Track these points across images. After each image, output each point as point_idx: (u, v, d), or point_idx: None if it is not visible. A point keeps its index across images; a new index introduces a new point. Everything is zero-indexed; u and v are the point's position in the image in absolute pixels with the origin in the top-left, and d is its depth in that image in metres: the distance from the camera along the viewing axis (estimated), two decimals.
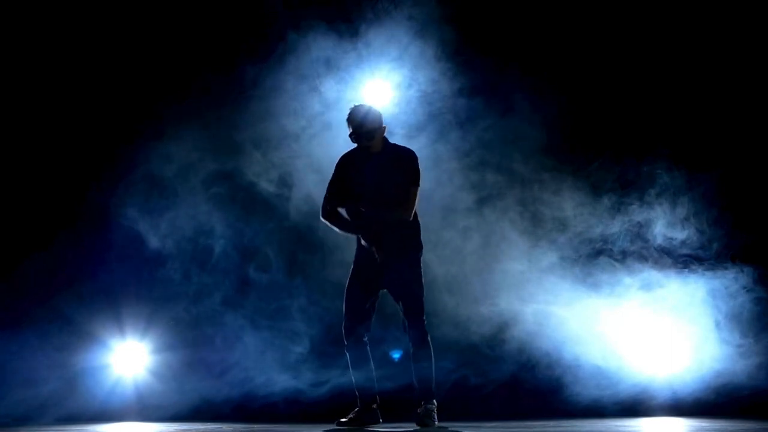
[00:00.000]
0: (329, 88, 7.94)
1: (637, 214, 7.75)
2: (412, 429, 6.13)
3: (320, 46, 7.89)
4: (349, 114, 6.37)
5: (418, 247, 6.40)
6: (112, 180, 7.92)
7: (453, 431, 6.09)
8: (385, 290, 6.42)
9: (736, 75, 7.81)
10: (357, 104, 6.42)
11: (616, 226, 7.74)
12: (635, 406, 7.50)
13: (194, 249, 7.92)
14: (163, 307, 7.88)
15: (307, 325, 7.87)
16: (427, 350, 6.31)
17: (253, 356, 7.81)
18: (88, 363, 7.78)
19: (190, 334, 7.90)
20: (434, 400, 6.30)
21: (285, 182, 7.93)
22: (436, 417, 6.23)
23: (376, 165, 6.33)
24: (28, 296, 7.79)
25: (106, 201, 7.89)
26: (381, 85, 7.93)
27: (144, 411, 7.69)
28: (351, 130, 6.35)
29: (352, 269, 6.44)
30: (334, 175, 6.45)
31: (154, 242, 7.88)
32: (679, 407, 7.47)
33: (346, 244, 7.65)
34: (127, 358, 7.88)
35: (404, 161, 6.35)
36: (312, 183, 7.76)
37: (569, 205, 7.79)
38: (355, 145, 6.39)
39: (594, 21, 7.93)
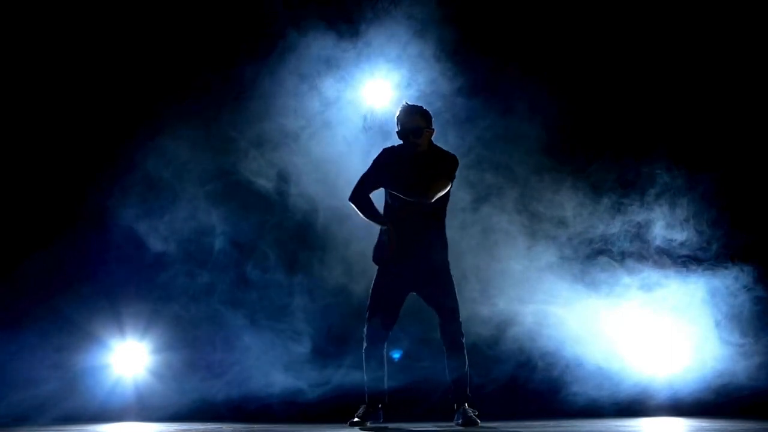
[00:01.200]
0: (329, 87, 7.94)
1: (637, 214, 7.75)
2: (422, 428, 6.14)
3: (320, 45, 7.87)
4: (399, 111, 6.44)
5: (445, 246, 6.41)
6: (112, 180, 7.91)
7: (452, 431, 6.10)
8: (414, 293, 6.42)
9: (735, 75, 7.82)
10: (404, 106, 6.48)
11: (615, 226, 7.74)
12: (635, 406, 7.50)
13: (194, 248, 7.92)
14: (163, 307, 7.88)
15: (307, 324, 7.87)
16: (462, 353, 6.33)
17: (253, 356, 7.80)
18: (88, 363, 7.78)
19: (190, 334, 7.90)
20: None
21: (284, 181, 7.92)
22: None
23: (418, 162, 6.37)
24: (28, 296, 7.78)
25: (105, 201, 7.88)
26: (380, 84, 7.93)
27: (144, 411, 7.68)
28: (399, 128, 6.39)
29: (380, 271, 6.40)
30: (373, 165, 6.45)
31: (154, 242, 7.86)
32: (679, 407, 7.48)
33: (345, 242, 7.66)
34: (127, 358, 7.87)
35: (444, 162, 6.40)
36: (311, 181, 7.76)
37: (568, 205, 7.78)
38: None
39: (594, 21, 7.93)
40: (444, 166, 6.38)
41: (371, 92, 7.94)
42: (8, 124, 7.99)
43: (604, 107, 7.90)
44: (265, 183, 7.88)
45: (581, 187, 7.80)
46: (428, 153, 6.44)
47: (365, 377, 6.34)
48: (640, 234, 7.74)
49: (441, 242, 6.40)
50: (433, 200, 6.28)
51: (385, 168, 6.40)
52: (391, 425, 6.40)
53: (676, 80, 7.87)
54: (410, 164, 6.37)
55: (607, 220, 7.75)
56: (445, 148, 7.80)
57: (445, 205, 6.44)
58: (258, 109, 7.87)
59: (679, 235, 7.66)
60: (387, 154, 6.47)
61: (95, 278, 7.88)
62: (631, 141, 7.82)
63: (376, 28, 7.86)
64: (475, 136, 7.88)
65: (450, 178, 6.37)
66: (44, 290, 7.78)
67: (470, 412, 6.31)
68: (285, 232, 7.98)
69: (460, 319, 6.35)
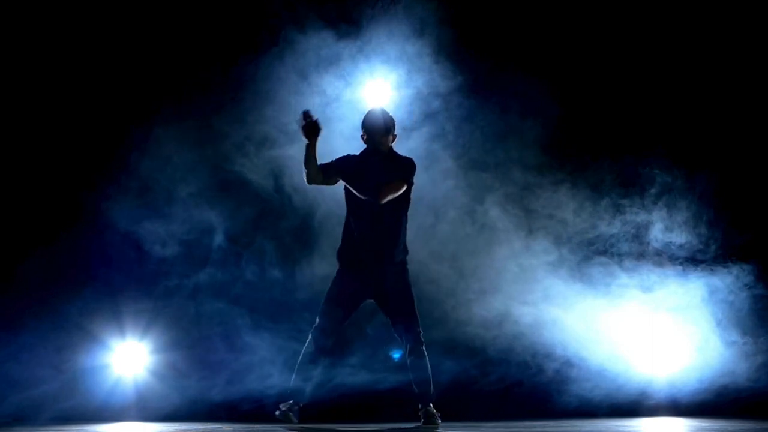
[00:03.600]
0: (328, 84, 7.93)
1: (636, 214, 7.74)
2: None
3: (319, 43, 7.87)
4: (367, 114, 6.56)
5: (405, 254, 6.53)
6: (110, 180, 7.91)
7: (453, 431, 6.10)
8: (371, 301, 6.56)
9: (733, 76, 7.80)
10: (375, 108, 6.61)
11: (614, 227, 7.73)
12: (635, 406, 7.49)
13: (193, 248, 7.92)
14: (163, 306, 7.88)
15: (308, 323, 7.85)
16: (424, 357, 6.45)
17: (253, 355, 7.79)
18: (88, 363, 7.78)
19: (190, 333, 7.90)
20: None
21: (283, 179, 7.91)
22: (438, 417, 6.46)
23: (378, 163, 6.47)
24: (28, 296, 7.79)
25: (105, 201, 7.88)
26: (379, 83, 7.92)
27: (144, 411, 7.68)
28: (368, 127, 6.51)
29: (339, 272, 6.52)
30: (336, 160, 6.60)
31: (153, 242, 7.86)
32: (679, 407, 7.46)
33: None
34: (127, 358, 7.87)
35: (402, 165, 6.52)
36: None
37: (567, 205, 7.77)
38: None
39: (593, 21, 7.92)
40: (401, 170, 6.47)
41: (370, 91, 7.93)
42: (9, 126, 8.01)
43: (604, 107, 7.89)
44: (263, 180, 7.88)
45: (580, 186, 7.79)
46: (387, 156, 6.54)
47: (294, 374, 6.51)
48: (639, 234, 7.73)
49: (400, 251, 6.49)
50: (383, 202, 6.36)
51: (346, 161, 6.53)
52: (388, 425, 6.40)
53: (675, 80, 7.85)
54: (371, 165, 6.47)
55: (607, 219, 7.74)
56: (443, 146, 7.84)
57: (406, 212, 6.53)
58: (256, 107, 7.87)
59: (679, 235, 7.65)
60: (349, 156, 6.60)
61: (95, 278, 7.88)
62: (630, 141, 7.81)
63: (375, 28, 7.86)
64: (472, 136, 7.88)
65: (406, 180, 6.46)
66: (44, 290, 7.79)
67: (433, 411, 6.44)
68: (283, 229, 7.97)
69: (420, 328, 6.46)
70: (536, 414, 7.36)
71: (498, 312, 7.57)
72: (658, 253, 7.67)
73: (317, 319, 6.56)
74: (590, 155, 7.85)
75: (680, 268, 7.59)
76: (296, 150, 7.69)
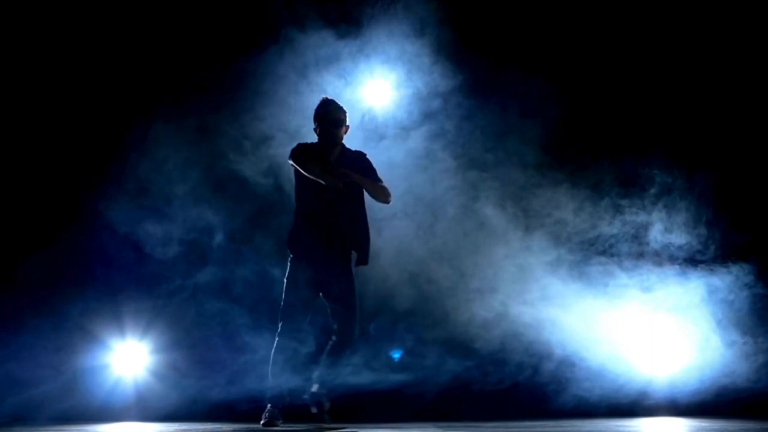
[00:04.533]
0: (328, 84, 7.92)
1: (635, 214, 7.73)
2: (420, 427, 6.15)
3: (318, 42, 7.87)
4: (322, 105, 6.50)
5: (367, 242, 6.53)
6: (110, 180, 7.91)
7: (453, 431, 6.10)
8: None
9: (733, 76, 7.80)
10: (327, 98, 6.56)
11: (613, 227, 7.72)
12: (635, 406, 7.49)
13: (193, 247, 7.91)
14: (163, 306, 7.88)
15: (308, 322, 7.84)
16: (342, 359, 6.52)
17: (254, 355, 7.79)
18: (88, 363, 7.79)
19: (190, 333, 7.90)
20: None
21: (282, 177, 7.90)
22: None
23: (343, 163, 6.41)
24: (28, 296, 7.79)
25: (105, 201, 7.87)
26: (379, 83, 7.93)
27: (144, 411, 7.69)
28: (324, 118, 6.44)
29: (293, 275, 6.50)
30: (302, 153, 6.49)
31: (153, 242, 7.86)
32: (679, 407, 7.47)
33: None
34: (127, 358, 7.88)
35: (365, 160, 6.53)
36: None
37: (566, 205, 7.77)
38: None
39: (593, 21, 7.91)
40: (369, 167, 6.49)
41: (370, 91, 7.94)
42: (9, 126, 8.01)
43: (604, 107, 7.89)
44: (263, 179, 7.87)
45: (580, 186, 7.79)
46: (344, 152, 6.52)
47: (269, 378, 6.48)
48: (639, 234, 7.72)
49: (367, 238, 6.49)
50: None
51: (312, 153, 6.44)
52: (389, 425, 6.40)
53: (674, 80, 7.85)
54: (339, 160, 6.43)
55: (606, 220, 7.73)
56: (443, 146, 7.85)
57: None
58: (255, 105, 7.87)
59: (678, 235, 7.64)
60: (308, 147, 6.50)
61: (95, 278, 7.89)
62: (630, 141, 7.80)
63: (375, 27, 7.85)
64: (473, 135, 7.88)
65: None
66: (44, 290, 7.80)
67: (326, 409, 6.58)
68: (283, 228, 7.96)
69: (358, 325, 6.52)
70: (536, 414, 7.37)
71: (498, 312, 7.56)
72: (658, 253, 7.66)
73: (281, 323, 6.48)
74: (590, 155, 7.85)
75: (681, 268, 7.58)
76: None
